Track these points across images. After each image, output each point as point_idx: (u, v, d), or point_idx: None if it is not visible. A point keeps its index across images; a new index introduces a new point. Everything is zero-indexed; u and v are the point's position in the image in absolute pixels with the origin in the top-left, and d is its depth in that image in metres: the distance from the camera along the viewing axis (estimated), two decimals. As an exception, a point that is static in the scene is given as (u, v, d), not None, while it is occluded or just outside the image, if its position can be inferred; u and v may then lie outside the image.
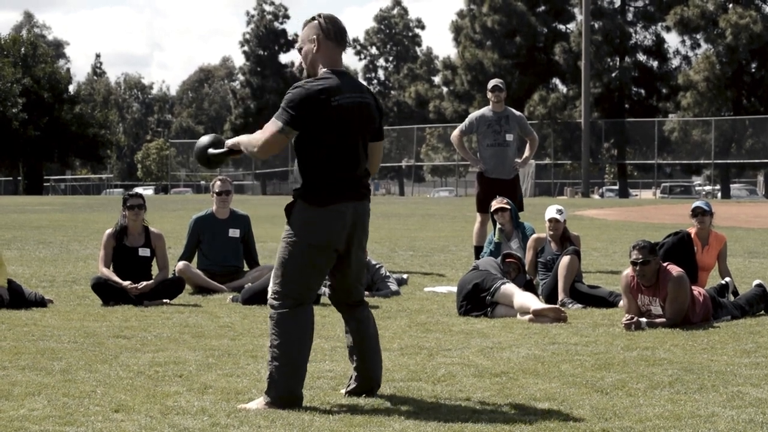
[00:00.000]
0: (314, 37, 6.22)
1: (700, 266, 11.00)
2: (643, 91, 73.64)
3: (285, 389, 6.05)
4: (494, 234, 12.78)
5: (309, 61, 6.25)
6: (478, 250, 13.90)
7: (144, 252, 11.09)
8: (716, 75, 64.44)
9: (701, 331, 8.99)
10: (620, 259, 15.98)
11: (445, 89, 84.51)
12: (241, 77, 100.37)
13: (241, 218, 12.53)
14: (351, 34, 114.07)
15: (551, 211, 11.41)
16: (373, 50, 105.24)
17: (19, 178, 78.15)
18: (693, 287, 9.53)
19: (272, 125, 6.09)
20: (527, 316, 9.62)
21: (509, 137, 14.41)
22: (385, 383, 6.60)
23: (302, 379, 6.14)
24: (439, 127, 74.64)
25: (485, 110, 14.62)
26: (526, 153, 14.74)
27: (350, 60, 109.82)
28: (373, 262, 11.83)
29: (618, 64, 72.37)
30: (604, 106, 71.41)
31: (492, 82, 14.73)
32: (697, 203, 11.41)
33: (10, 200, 48.10)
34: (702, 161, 63.91)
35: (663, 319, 9.20)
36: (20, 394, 6.34)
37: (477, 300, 10.07)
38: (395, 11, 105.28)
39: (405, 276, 13.03)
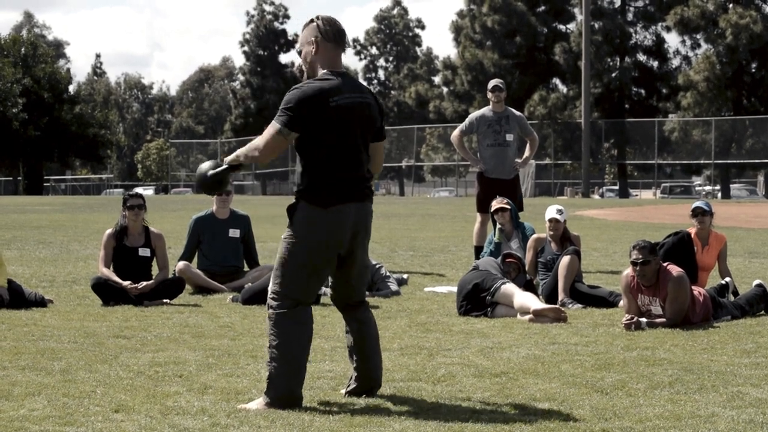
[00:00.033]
0: (313, 39, 6.23)
1: (700, 266, 11.00)
2: (643, 91, 73.64)
3: (284, 389, 6.05)
4: (494, 234, 12.78)
5: (309, 63, 6.26)
6: (478, 250, 13.90)
7: (144, 252, 11.09)
8: (716, 75, 64.43)
9: (701, 331, 8.99)
10: (620, 259, 15.98)
11: (445, 89, 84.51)
12: (241, 77, 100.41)
13: (241, 218, 12.54)
14: (351, 34, 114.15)
15: (551, 211, 11.41)
16: (373, 50, 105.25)
17: (19, 178, 78.16)
18: (693, 287, 9.53)
19: (271, 128, 6.11)
20: (527, 316, 9.62)
21: (509, 137, 14.41)
22: (385, 383, 6.60)
23: (302, 380, 6.14)
24: (439, 127, 74.64)
25: (485, 110, 14.62)
26: (527, 153, 14.74)
27: (350, 60, 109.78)
28: (374, 262, 11.82)
29: (618, 64, 72.37)
30: (604, 106, 71.41)
31: (492, 83, 14.73)
32: (697, 203, 11.41)
33: (10, 200, 48.11)
34: (702, 161, 63.89)
35: (663, 319, 9.20)
36: (20, 394, 6.34)
37: (477, 300, 10.07)
38: (395, 11, 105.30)
39: (405, 276, 13.03)
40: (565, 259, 10.84)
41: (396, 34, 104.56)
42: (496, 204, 12.80)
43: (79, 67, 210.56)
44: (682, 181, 71.60)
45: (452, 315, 10.08)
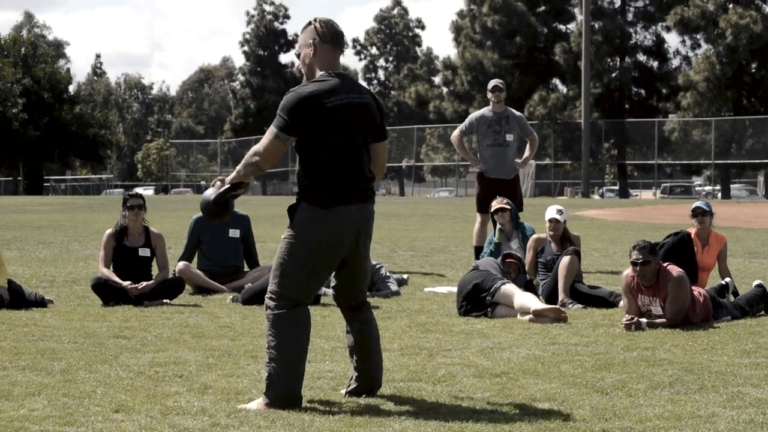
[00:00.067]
0: (311, 41, 6.25)
1: (700, 266, 11.00)
2: (643, 92, 73.64)
3: (284, 389, 6.05)
4: (494, 234, 12.78)
5: (307, 65, 6.28)
6: (478, 251, 13.91)
7: (144, 252, 11.09)
8: (716, 75, 64.43)
9: (701, 331, 8.99)
10: (620, 259, 15.98)
11: (445, 89, 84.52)
12: (241, 77, 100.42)
13: (241, 218, 12.54)
14: (351, 34, 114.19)
15: (551, 212, 11.41)
16: (373, 50, 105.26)
17: (19, 178, 78.19)
18: (693, 287, 9.53)
19: (269, 134, 6.12)
20: (527, 317, 9.62)
21: (509, 137, 14.42)
22: (386, 383, 6.60)
23: (301, 379, 6.14)
24: (439, 128, 74.64)
25: (485, 110, 14.62)
26: (526, 153, 14.74)
27: (350, 60, 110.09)
28: (374, 262, 11.82)
29: (618, 64, 72.38)
30: (604, 107, 71.41)
31: (492, 83, 14.73)
32: (697, 203, 11.41)
33: (10, 200, 48.12)
34: (702, 161, 63.89)
35: (663, 320, 9.20)
36: (20, 395, 6.34)
37: (477, 300, 10.07)
38: (395, 11, 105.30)
39: (405, 276, 13.04)
40: (565, 260, 10.84)
41: (396, 34, 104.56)
42: (496, 204, 12.80)
43: (79, 67, 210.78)
44: (682, 182, 71.60)
45: (452, 315, 10.08)
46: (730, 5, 66.11)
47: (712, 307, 9.60)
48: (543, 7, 75.46)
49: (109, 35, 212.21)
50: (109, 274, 10.95)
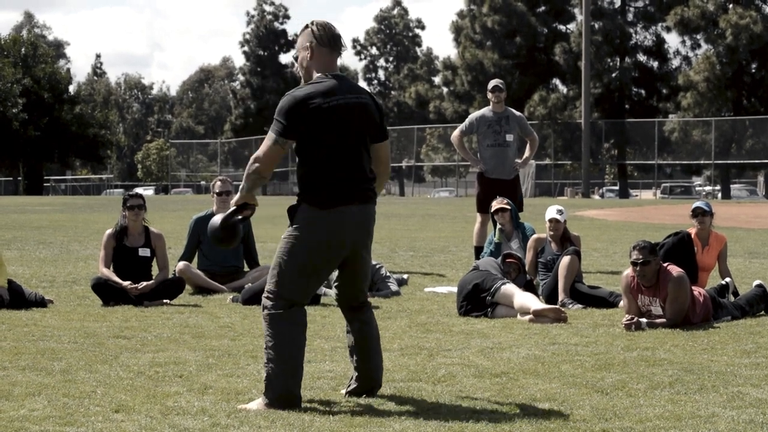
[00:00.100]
0: (308, 44, 6.25)
1: (701, 267, 11.00)
2: (643, 92, 73.67)
3: (282, 389, 6.05)
4: (494, 234, 12.78)
5: (305, 68, 6.30)
6: (478, 251, 13.90)
7: (144, 252, 11.09)
8: (716, 75, 64.44)
9: (701, 331, 8.99)
10: (620, 259, 15.98)
11: (445, 89, 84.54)
12: (241, 77, 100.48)
13: (242, 218, 12.52)
14: (351, 34, 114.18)
15: (551, 212, 11.41)
16: (374, 50, 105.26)
17: (19, 178, 78.19)
18: (693, 288, 9.53)
19: (268, 139, 6.12)
20: (527, 317, 9.62)
21: (509, 137, 14.42)
22: (386, 383, 6.60)
23: (299, 379, 6.14)
24: (439, 128, 74.66)
25: (485, 110, 14.62)
26: (527, 153, 14.74)
27: (350, 60, 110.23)
28: (373, 262, 11.82)
29: (618, 64, 72.39)
30: (604, 107, 71.43)
31: (492, 83, 14.73)
32: (698, 203, 11.40)
33: (10, 200, 48.11)
34: (702, 161, 63.90)
35: (663, 320, 9.20)
36: (20, 395, 6.34)
37: (477, 300, 10.07)
38: (395, 11, 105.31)
39: (405, 276, 13.03)
40: (565, 260, 10.84)
41: (396, 34, 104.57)
42: (496, 204, 12.80)
43: (79, 67, 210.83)
44: (682, 182, 71.60)
45: (452, 315, 10.08)
46: (730, 5, 66.12)
47: (712, 307, 9.60)
48: (543, 7, 75.48)
49: (109, 35, 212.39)
50: (109, 274, 10.95)
